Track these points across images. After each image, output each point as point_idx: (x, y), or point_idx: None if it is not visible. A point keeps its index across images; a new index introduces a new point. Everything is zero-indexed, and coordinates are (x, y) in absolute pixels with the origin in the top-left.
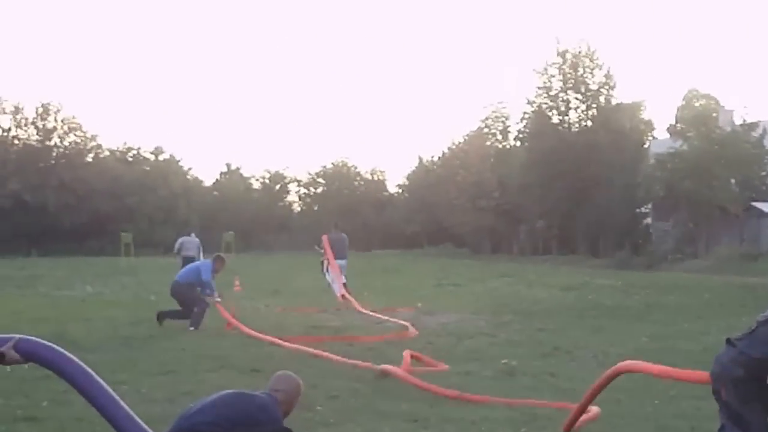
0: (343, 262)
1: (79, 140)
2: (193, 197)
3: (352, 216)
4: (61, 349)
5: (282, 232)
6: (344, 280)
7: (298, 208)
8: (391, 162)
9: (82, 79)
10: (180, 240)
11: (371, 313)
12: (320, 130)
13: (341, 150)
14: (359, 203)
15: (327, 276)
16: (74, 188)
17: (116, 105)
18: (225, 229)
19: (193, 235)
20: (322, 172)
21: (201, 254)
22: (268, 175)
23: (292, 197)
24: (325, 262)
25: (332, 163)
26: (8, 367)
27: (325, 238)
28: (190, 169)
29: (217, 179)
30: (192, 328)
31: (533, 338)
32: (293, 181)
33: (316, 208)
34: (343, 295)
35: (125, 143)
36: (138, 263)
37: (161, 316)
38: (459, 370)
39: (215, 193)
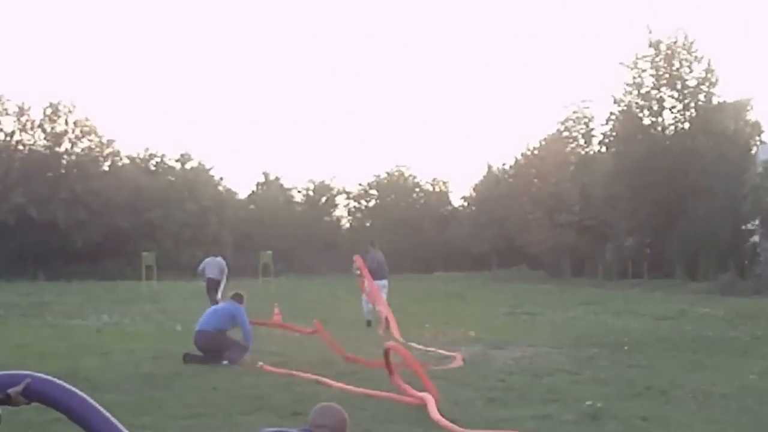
0: (383, 282)
1: (93, 146)
2: (226, 211)
3: (409, 233)
4: (74, 389)
5: (328, 251)
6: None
7: (347, 224)
8: (455, 171)
9: (97, 75)
10: (204, 261)
11: (417, 346)
12: (373, 134)
13: (397, 157)
14: (418, 218)
15: (366, 302)
16: (88, 201)
17: (137, 105)
18: (262, 248)
19: (219, 257)
20: (374, 183)
21: (225, 278)
22: (311, 186)
23: (339, 211)
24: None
25: (387, 173)
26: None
27: (358, 258)
28: (221, 179)
29: (253, 191)
30: (226, 362)
31: (622, 376)
32: (341, 193)
33: (368, 224)
34: (386, 318)
35: (147, 149)
36: (162, 288)
37: (188, 358)
38: (536, 413)
39: (251, 206)
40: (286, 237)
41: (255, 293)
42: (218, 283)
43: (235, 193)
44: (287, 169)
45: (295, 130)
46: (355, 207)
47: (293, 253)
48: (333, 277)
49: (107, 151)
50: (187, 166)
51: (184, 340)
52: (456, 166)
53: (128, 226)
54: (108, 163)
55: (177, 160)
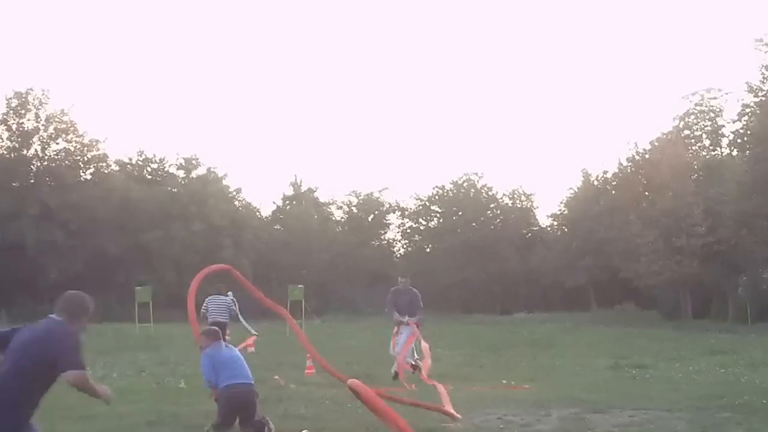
0: (414, 319)
1: (72, 147)
2: (244, 233)
3: (482, 262)
4: None
5: (376, 285)
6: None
7: (401, 249)
8: (542, 180)
9: (78, 61)
10: (207, 300)
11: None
12: (434, 132)
13: (466, 162)
14: (494, 242)
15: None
16: (64, 219)
17: (128, 97)
18: (290, 281)
19: (228, 295)
20: (437, 196)
21: (241, 318)
22: (355, 201)
23: (392, 233)
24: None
25: (453, 182)
26: None
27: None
28: (238, 191)
29: (278, 206)
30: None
31: None
32: (394, 210)
33: (428, 250)
34: (410, 367)
35: (141, 152)
36: (160, 332)
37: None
38: None
39: (276, 227)
40: (322, 266)
41: (280, 341)
42: (225, 326)
43: (256, 210)
44: (323, 177)
45: (333, 127)
46: (411, 228)
47: (331, 287)
48: (382, 319)
49: (90, 154)
50: (194, 174)
51: (188, 400)
52: (543, 174)
53: (117, 251)
54: (91, 170)
55: (180, 167)
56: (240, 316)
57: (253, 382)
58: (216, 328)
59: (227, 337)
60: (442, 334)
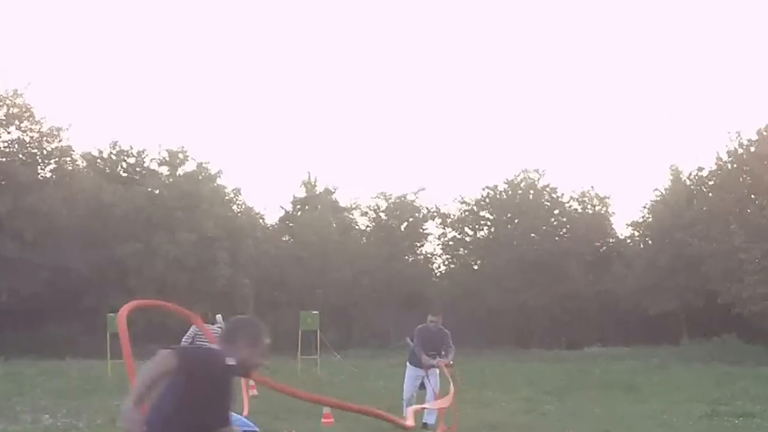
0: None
1: (27, 137)
2: (244, 245)
3: (544, 281)
4: None
5: (412, 310)
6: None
7: (442, 266)
8: (620, 180)
9: (35, 31)
10: (190, 331)
11: None
12: (482, 119)
13: (523, 157)
14: (559, 257)
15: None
16: (18, 227)
17: (97, 76)
18: (303, 305)
19: (218, 317)
20: (486, 200)
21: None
22: (384, 205)
23: (430, 246)
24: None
25: (506, 182)
26: None
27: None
28: (237, 192)
29: (287, 212)
30: None
31: None
32: (433, 216)
33: (475, 267)
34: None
35: (115, 143)
36: (138, 367)
37: None
38: None
39: (285, 237)
40: (342, 287)
41: (289, 380)
42: None
43: (260, 216)
44: (344, 176)
45: (355, 112)
46: (454, 238)
47: (354, 313)
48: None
49: (51, 146)
50: (181, 171)
51: None
52: (621, 172)
53: (85, 268)
54: (51, 166)
55: (164, 162)
56: None
57: None
58: None
59: None
60: (494, 373)
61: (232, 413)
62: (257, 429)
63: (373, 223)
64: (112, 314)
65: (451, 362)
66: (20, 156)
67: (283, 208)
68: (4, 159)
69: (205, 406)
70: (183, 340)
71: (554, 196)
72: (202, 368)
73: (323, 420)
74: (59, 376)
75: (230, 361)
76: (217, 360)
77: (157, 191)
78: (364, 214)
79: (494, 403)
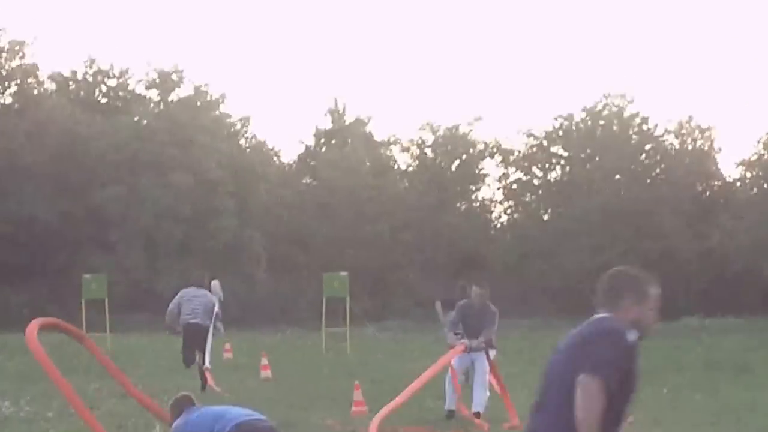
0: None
1: None
2: (255, 190)
3: (634, 236)
4: None
5: (465, 272)
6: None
7: (504, 216)
8: (727, 107)
9: None
10: (180, 294)
11: None
12: (551, 32)
13: (606, 79)
14: (653, 204)
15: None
16: None
17: None
18: (327, 265)
19: (212, 285)
20: (559, 132)
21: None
22: (431, 139)
23: (488, 191)
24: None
25: (584, 110)
26: None
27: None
28: (245, 122)
29: (309, 147)
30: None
31: None
32: (491, 153)
33: (546, 217)
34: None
35: (92, 62)
36: (121, 345)
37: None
38: None
39: (306, 180)
40: (378, 244)
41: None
42: (206, 332)
43: (275, 153)
44: (379, 102)
45: (392, 24)
46: (519, 181)
47: (393, 276)
48: None
49: (11, 64)
50: (174, 96)
51: None
52: (728, 97)
53: (54, 218)
54: (12, 89)
55: (153, 85)
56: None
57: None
58: (185, 395)
59: (208, 351)
60: None
61: (232, 406)
62: (263, 417)
63: (417, 162)
64: (87, 276)
65: (484, 344)
66: None
67: (303, 142)
68: None
69: (625, 399)
70: (170, 307)
71: (645, 128)
72: (621, 371)
73: (353, 408)
74: (22, 353)
75: (631, 337)
76: (624, 347)
77: (145, 122)
78: (405, 150)
79: None
